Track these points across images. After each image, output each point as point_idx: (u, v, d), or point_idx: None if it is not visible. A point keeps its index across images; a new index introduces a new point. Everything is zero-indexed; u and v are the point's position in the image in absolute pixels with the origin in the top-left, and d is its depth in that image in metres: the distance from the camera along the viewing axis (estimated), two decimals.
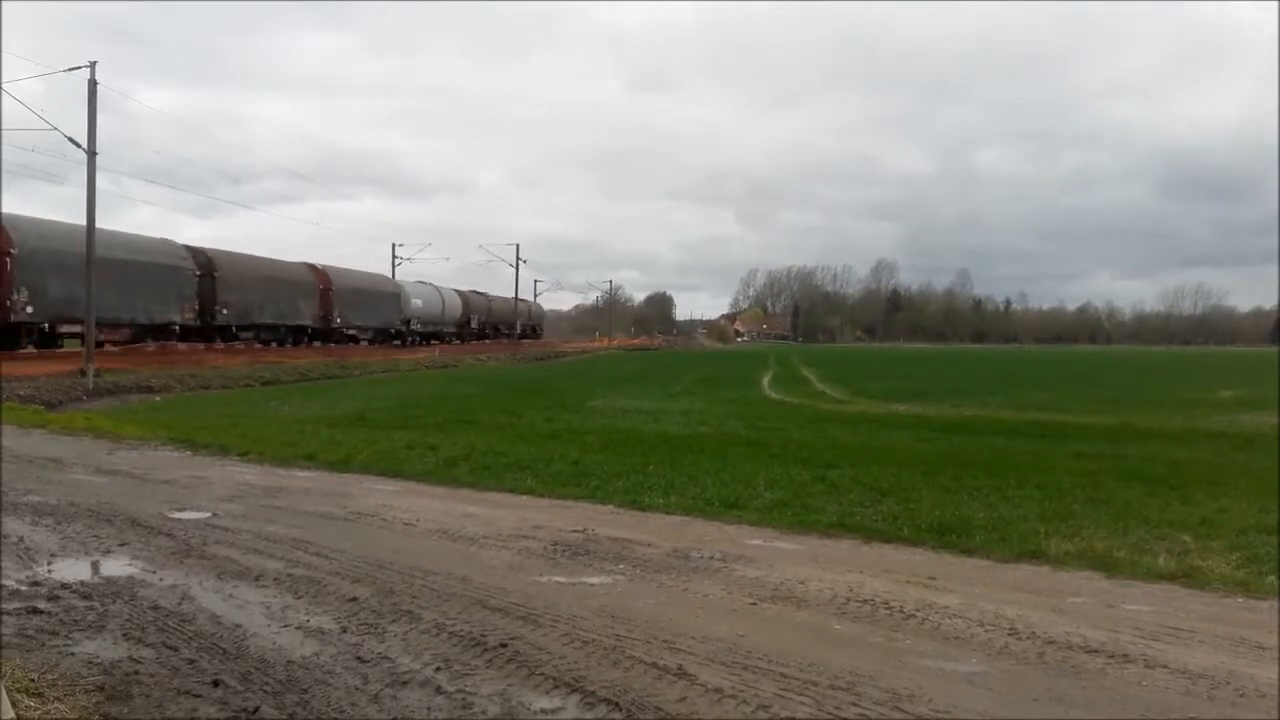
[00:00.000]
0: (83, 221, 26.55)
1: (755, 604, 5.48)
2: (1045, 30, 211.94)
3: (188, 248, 39.27)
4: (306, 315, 47.14)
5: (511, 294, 79.64)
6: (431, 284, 64.94)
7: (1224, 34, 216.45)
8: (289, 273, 46.59)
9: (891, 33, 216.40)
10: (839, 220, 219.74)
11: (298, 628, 4.90)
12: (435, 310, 63.37)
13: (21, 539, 6.88)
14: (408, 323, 58.85)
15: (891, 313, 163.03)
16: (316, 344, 47.11)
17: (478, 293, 74.17)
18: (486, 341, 71.78)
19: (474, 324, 70.17)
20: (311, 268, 48.71)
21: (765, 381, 36.37)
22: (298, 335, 46.48)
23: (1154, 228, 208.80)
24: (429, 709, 3.85)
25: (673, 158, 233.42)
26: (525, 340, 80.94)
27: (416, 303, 60.58)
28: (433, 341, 61.35)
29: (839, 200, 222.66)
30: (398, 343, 57.11)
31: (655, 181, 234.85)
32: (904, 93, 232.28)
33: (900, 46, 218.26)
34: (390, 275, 65.63)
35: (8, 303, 28.69)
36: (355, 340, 52.69)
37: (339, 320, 49.89)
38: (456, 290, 69.31)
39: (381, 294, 56.71)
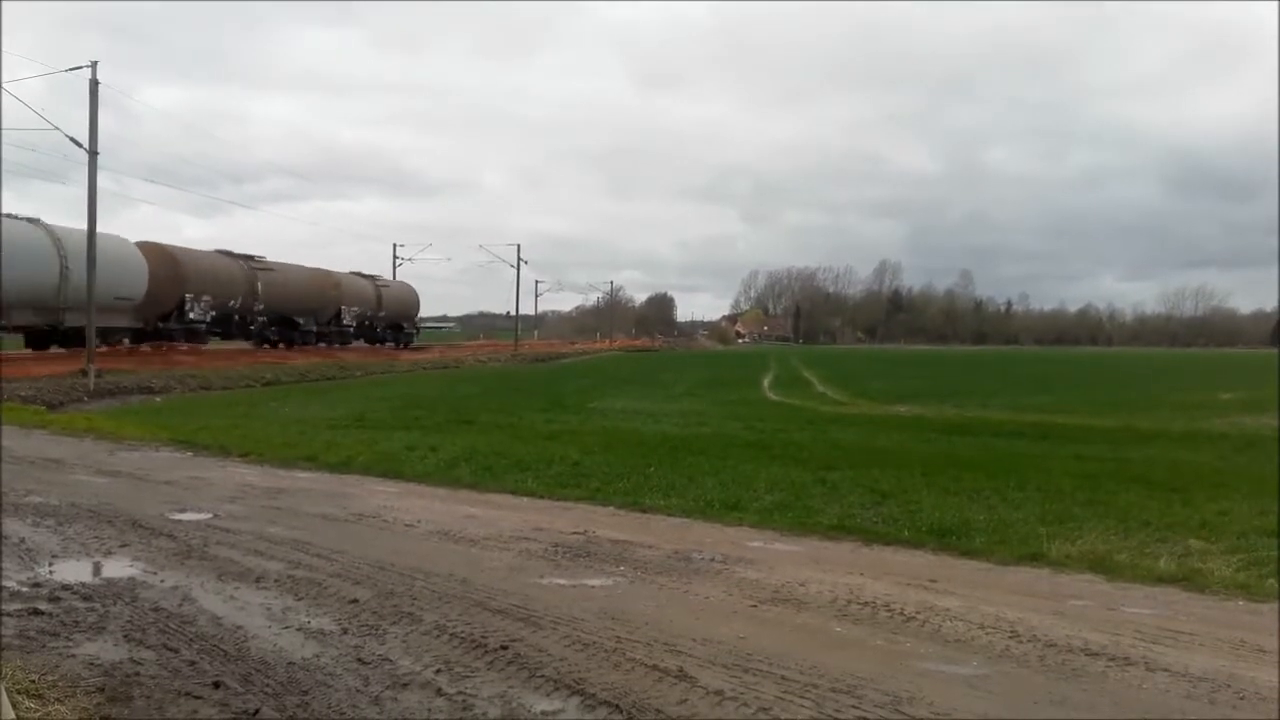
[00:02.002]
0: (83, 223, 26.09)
1: (756, 606, 5.48)
2: (1056, 29, 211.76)
3: None
4: None
5: (379, 275, 54.28)
6: (41, 224, 29.94)
7: (1237, 32, 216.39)
8: None
9: (902, 31, 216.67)
10: (844, 220, 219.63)
11: (298, 629, 4.91)
12: (37, 274, 28.81)
13: (23, 540, 6.88)
14: None
15: (892, 314, 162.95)
16: None
17: (229, 254, 39.76)
18: (265, 350, 41.55)
19: (196, 313, 36.45)
20: None
21: (766, 383, 36.36)
22: None
23: (1161, 227, 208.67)
24: (429, 711, 3.85)
25: (679, 156, 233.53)
26: (390, 347, 53.31)
27: None
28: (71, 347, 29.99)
29: (844, 199, 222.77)
30: None
31: (660, 181, 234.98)
32: (913, 91, 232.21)
33: (911, 44, 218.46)
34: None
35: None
36: None
37: None
38: (148, 244, 34.75)
39: None
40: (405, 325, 57.62)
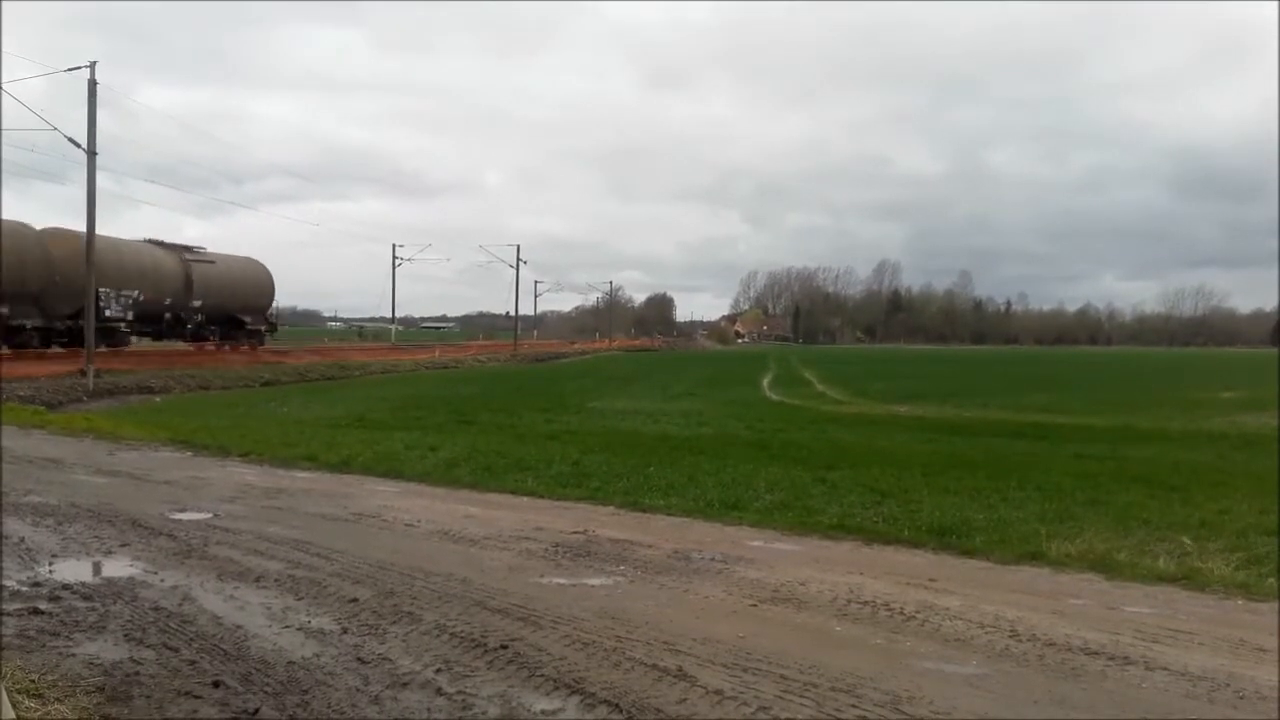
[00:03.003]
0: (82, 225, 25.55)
1: (756, 605, 5.48)
2: (1058, 28, 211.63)
3: None
4: None
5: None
6: None
7: (1238, 32, 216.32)
8: None
9: (904, 29, 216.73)
10: (846, 221, 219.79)
11: (298, 629, 4.90)
12: None
13: (23, 539, 6.87)
14: None
15: (892, 314, 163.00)
16: None
17: None
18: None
19: None
20: None
21: (765, 383, 36.36)
22: None
23: (1163, 228, 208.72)
24: (429, 710, 3.84)
25: (681, 157, 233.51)
26: (215, 347, 39.92)
27: None
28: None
29: (847, 200, 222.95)
30: None
31: (662, 182, 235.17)
32: (915, 90, 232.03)
33: (913, 43, 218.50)
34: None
35: None
36: None
37: None
38: None
39: None
40: (248, 319, 41.85)
